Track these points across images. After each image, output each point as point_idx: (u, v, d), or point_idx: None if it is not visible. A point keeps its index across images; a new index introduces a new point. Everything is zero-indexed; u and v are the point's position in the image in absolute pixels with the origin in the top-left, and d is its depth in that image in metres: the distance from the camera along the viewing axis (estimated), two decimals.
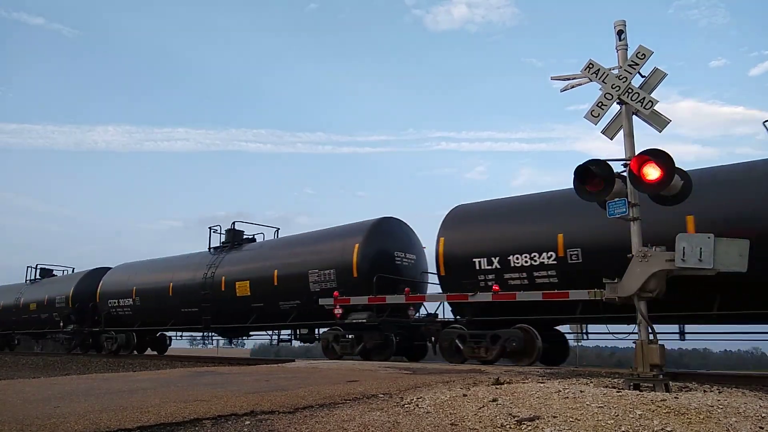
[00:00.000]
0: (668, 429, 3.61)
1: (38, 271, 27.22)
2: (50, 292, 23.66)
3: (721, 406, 4.06)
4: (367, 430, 3.83)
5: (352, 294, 12.58)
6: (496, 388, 5.26)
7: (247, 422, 3.95)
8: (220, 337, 19.35)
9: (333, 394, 5.26)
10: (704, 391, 5.51)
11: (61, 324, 22.15)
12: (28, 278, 27.11)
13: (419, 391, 5.50)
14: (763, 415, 3.94)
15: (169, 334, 21.58)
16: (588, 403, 4.18)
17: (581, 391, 4.64)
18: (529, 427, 3.74)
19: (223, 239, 18.13)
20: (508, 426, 3.83)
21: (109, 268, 22.56)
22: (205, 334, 18.98)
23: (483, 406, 4.35)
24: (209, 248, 18.08)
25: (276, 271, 15.01)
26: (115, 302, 20.33)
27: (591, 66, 6.22)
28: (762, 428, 3.70)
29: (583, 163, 5.96)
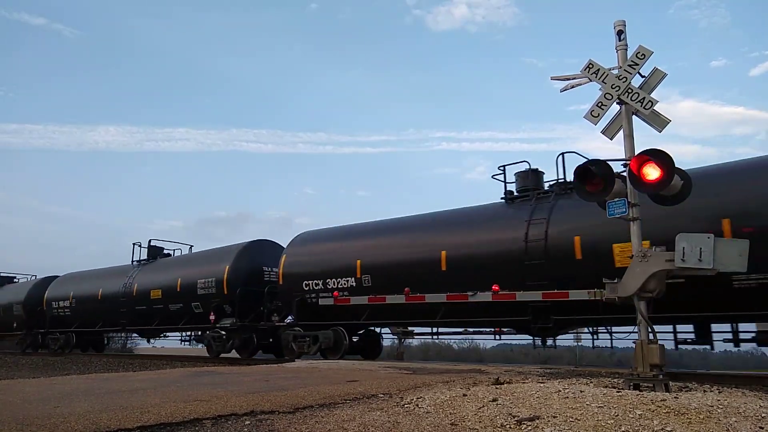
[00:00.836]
0: (668, 429, 3.61)
1: (148, 249, 20.39)
2: (184, 275, 17.23)
3: (721, 406, 4.06)
4: (367, 430, 3.83)
5: None
6: (496, 388, 5.26)
7: (247, 422, 3.95)
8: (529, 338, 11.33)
9: (333, 394, 5.27)
10: (704, 391, 5.51)
11: (212, 317, 15.80)
12: (135, 259, 20.43)
13: (419, 391, 5.50)
14: (763, 415, 3.94)
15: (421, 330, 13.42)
16: (588, 403, 4.18)
17: (581, 391, 4.64)
18: (529, 427, 3.74)
19: (512, 187, 11.56)
20: (508, 426, 3.83)
21: (269, 241, 16.68)
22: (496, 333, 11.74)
23: (483, 406, 4.35)
24: (504, 196, 11.50)
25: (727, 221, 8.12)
26: (317, 284, 13.34)
27: (591, 66, 6.22)
28: (762, 428, 3.70)
29: (583, 163, 5.97)
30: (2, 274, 27.53)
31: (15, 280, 27.54)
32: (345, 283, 12.81)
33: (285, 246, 15.19)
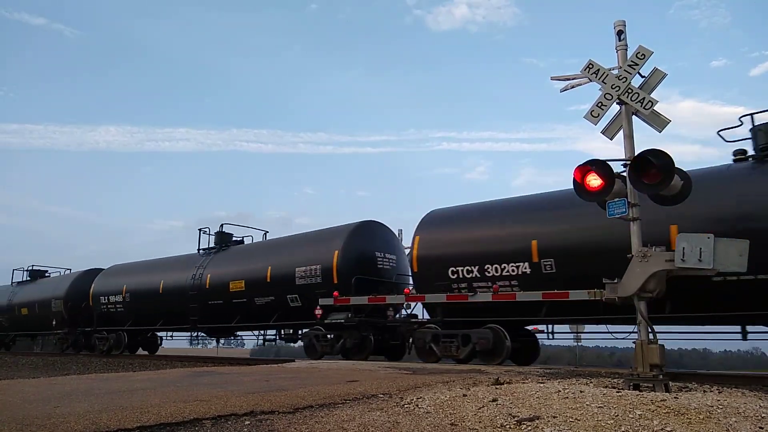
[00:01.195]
0: (668, 429, 3.62)
1: (218, 236, 17.62)
2: (276, 262, 14.51)
3: (721, 406, 4.06)
4: (366, 430, 3.83)
5: None
6: (496, 388, 5.26)
7: (247, 422, 3.95)
8: None
9: (333, 394, 5.26)
10: (704, 391, 5.51)
11: (318, 312, 13.06)
12: (201, 247, 17.67)
13: (419, 391, 5.50)
14: (762, 415, 3.94)
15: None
16: (588, 403, 4.18)
17: (581, 391, 4.64)
18: (529, 427, 3.74)
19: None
20: (508, 426, 3.83)
21: (378, 222, 14.18)
22: None
23: (483, 406, 4.35)
24: (754, 154, 8.89)
25: None
26: (469, 270, 10.92)
27: (591, 66, 6.23)
28: (762, 428, 3.70)
29: (583, 163, 5.98)
30: (35, 268, 25.23)
31: (47, 274, 25.26)
32: (514, 270, 10.36)
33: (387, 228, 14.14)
